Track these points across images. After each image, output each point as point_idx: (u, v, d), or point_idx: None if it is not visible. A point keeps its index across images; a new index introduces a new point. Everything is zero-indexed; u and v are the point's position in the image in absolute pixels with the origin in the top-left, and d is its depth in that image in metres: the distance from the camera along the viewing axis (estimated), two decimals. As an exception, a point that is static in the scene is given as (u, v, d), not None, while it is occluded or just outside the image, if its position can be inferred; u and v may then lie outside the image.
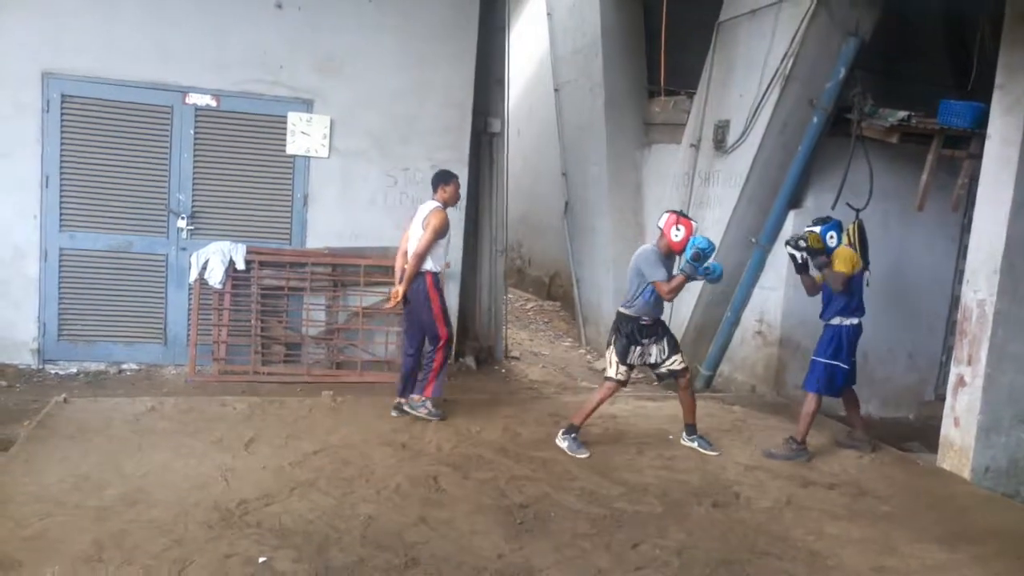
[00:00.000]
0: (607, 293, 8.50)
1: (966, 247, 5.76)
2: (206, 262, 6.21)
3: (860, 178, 6.29)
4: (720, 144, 6.99)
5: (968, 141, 5.97)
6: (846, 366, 5.31)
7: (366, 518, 3.98)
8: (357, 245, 6.68)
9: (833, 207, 6.16)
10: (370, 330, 6.72)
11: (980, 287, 5.16)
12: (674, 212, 5.22)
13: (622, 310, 5.27)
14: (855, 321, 5.31)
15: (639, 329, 5.22)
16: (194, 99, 6.27)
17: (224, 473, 4.38)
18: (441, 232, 5.43)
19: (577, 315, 9.27)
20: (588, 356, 8.58)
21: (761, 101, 6.57)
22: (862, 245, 5.83)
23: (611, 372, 5.28)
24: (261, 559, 3.49)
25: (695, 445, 5.41)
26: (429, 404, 5.51)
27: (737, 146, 6.81)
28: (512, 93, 9.41)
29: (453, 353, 6.30)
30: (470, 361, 7.24)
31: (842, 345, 5.29)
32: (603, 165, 8.45)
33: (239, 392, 5.85)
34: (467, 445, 5.14)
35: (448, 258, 6.81)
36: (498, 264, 7.65)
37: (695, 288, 7.12)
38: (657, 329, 5.29)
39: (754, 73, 6.71)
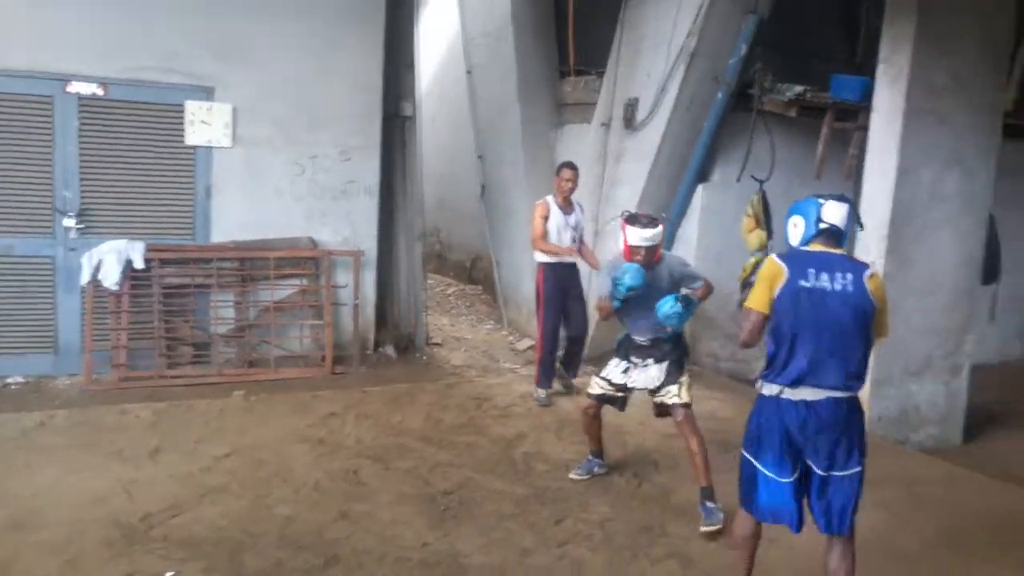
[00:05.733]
0: (526, 274, 8.50)
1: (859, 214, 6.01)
2: (99, 262, 5.84)
3: (763, 151, 6.47)
4: (630, 122, 7.06)
5: (858, 114, 6.22)
6: (770, 473, 3.03)
7: (283, 519, 3.89)
8: (266, 237, 6.48)
9: (738, 179, 6.34)
10: (284, 325, 6.54)
11: (871, 250, 5.38)
12: (624, 215, 4.28)
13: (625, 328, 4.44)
14: (776, 391, 3.02)
15: (635, 348, 4.33)
16: (77, 87, 5.88)
17: (126, 486, 4.14)
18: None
19: (499, 297, 9.26)
20: (510, 338, 8.59)
21: (668, 79, 6.66)
22: (766, 214, 6.03)
23: (591, 385, 4.52)
24: (168, 574, 3.34)
25: (703, 514, 4.01)
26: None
27: (646, 124, 6.90)
28: (424, 77, 9.29)
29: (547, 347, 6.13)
30: (390, 350, 7.15)
31: (755, 433, 3.09)
32: (518, 147, 8.43)
33: (142, 399, 5.51)
34: (388, 435, 5.08)
35: (361, 246, 6.77)
36: (415, 250, 7.55)
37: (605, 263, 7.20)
38: (661, 350, 4.25)
39: (660, 51, 6.79)
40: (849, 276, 2.99)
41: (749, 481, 3.10)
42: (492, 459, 4.81)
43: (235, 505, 4.00)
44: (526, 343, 8.19)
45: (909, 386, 5.59)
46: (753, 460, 3.08)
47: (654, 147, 6.80)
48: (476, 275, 11.21)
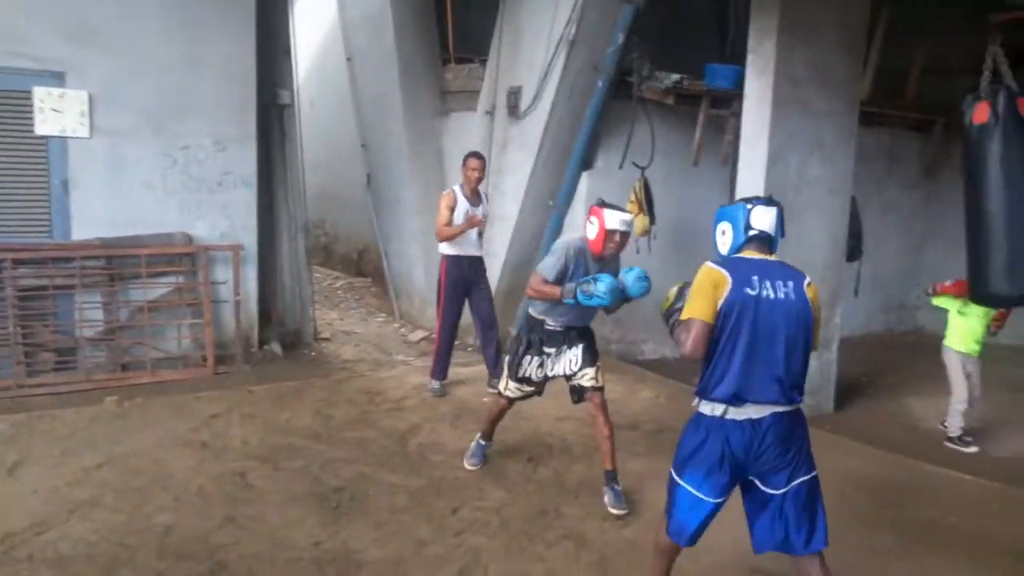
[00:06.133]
0: (417, 264, 8.44)
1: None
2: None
3: (644, 138, 6.64)
4: (514, 110, 7.09)
5: (732, 101, 6.48)
6: (700, 495, 2.85)
7: (164, 528, 3.68)
8: (136, 233, 6.10)
9: (620, 167, 6.48)
10: (160, 325, 6.19)
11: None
12: (596, 203, 4.06)
13: (529, 310, 4.32)
14: (720, 410, 2.83)
15: (545, 336, 4.21)
16: (-90, 73, 5.34)
17: (-17, 505, 3.79)
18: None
19: (389, 289, 9.13)
20: (402, 330, 8.49)
21: (549, 67, 6.72)
22: (648, 200, 6.19)
23: (500, 385, 4.37)
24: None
25: (606, 499, 4.08)
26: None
27: (530, 112, 6.94)
28: (302, 63, 8.98)
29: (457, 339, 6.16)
30: (276, 347, 6.91)
31: (687, 452, 2.90)
32: (402, 135, 8.31)
33: (-1, 411, 5.04)
34: (276, 435, 4.90)
35: (240, 240, 6.49)
36: (299, 242, 7.32)
37: (500, 253, 7.23)
38: (572, 335, 4.19)
39: (540, 39, 6.84)
40: (791, 284, 2.83)
41: (679, 504, 2.89)
42: (385, 453, 4.73)
43: (109, 518, 3.74)
44: (419, 334, 8.12)
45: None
46: (678, 478, 2.88)
47: (538, 135, 6.85)
48: (365, 267, 11.01)
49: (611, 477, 4.10)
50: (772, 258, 2.95)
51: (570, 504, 4.14)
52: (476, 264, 5.92)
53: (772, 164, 5.47)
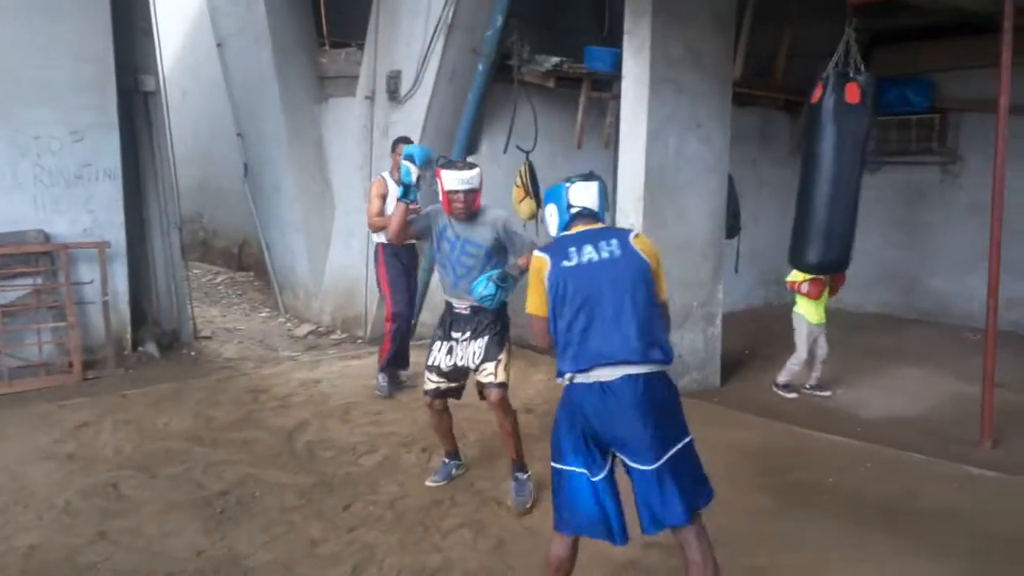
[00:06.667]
0: (300, 256, 8.17)
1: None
2: None
3: (527, 122, 6.62)
4: (394, 95, 6.94)
5: (611, 84, 6.56)
6: (575, 468, 2.72)
7: (26, 549, 3.40)
8: (-16, 232, 5.61)
9: (505, 151, 6.45)
10: (16, 331, 5.71)
11: (629, 213, 5.71)
12: (439, 161, 4.01)
13: (445, 294, 4.08)
14: (569, 378, 2.77)
15: (454, 320, 3.98)
16: None
17: None
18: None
19: (272, 283, 8.80)
20: (288, 324, 8.20)
21: (429, 50, 6.61)
22: (534, 184, 6.19)
23: (424, 379, 4.06)
24: None
25: (512, 491, 3.97)
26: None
27: (411, 96, 6.81)
28: (170, 49, 8.49)
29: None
30: (151, 348, 6.52)
31: (556, 431, 2.81)
32: (280, 122, 7.99)
33: None
34: (152, 441, 4.63)
35: (106, 237, 6.07)
36: (173, 237, 6.92)
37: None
38: (481, 322, 3.90)
39: (419, 22, 6.71)
40: (614, 242, 2.82)
41: (556, 490, 2.75)
42: (272, 452, 4.55)
43: (-39, 543, 3.43)
44: (305, 328, 7.87)
45: (673, 337, 6.02)
46: (558, 464, 2.74)
47: (420, 120, 6.73)
48: (246, 260, 10.57)
49: (517, 467, 3.97)
50: (597, 226, 2.95)
51: (466, 492, 4.10)
52: (412, 250, 5.69)
53: (651, 143, 5.57)
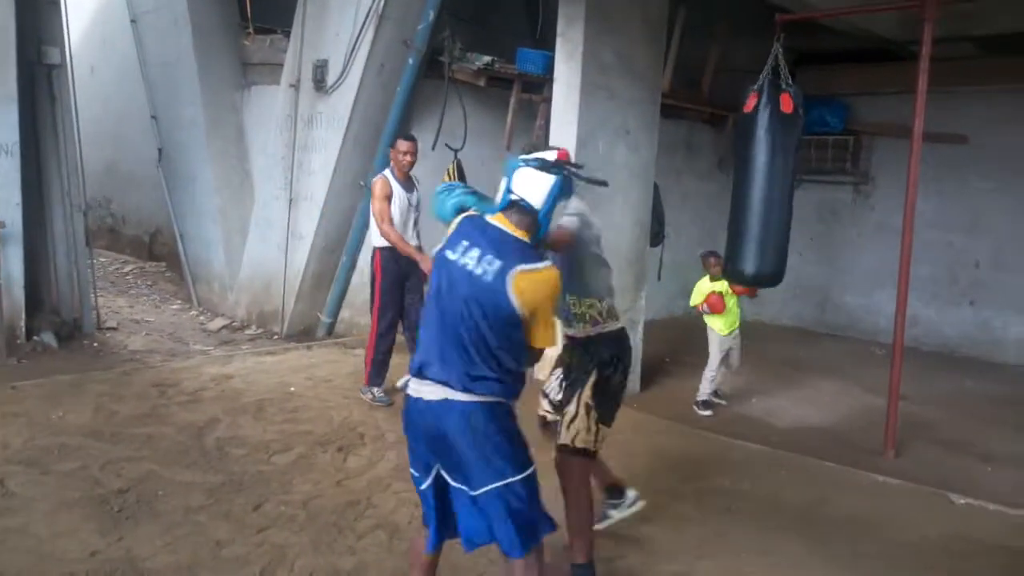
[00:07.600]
0: (217, 247, 7.85)
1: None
2: None
3: (457, 120, 6.56)
4: (320, 84, 6.75)
5: (543, 86, 6.56)
6: (413, 472, 2.64)
7: None
8: None
9: (433, 147, 6.36)
10: None
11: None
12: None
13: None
14: (404, 380, 2.63)
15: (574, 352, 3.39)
16: None
17: None
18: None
19: (185, 274, 8.42)
20: (201, 318, 7.86)
21: (358, 40, 6.45)
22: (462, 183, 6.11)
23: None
24: None
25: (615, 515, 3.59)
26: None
27: (337, 86, 6.64)
28: (79, 21, 8.06)
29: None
30: (48, 338, 6.11)
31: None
32: (198, 107, 7.67)
33: None
34: (45, 435, 4.32)
35: (1, 217, 5.67)
36: (76, 222, 6.51)
37: (307, 235, 6.87)
38: (583, 358, 3.28)
39: (348, 11, 6.55)
40: (496, 265, 2.38)
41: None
42: (178, 449, 4.31)
43: None
44: (219, 322, 7.57)
45: (597, 343, 6.05)
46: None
47: (347, 111, 6.58)
48: (158, 250, 10.10)
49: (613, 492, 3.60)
50: (516, 233, 2.47)
51: (382, 493, 3.98)
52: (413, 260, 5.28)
53: (581, 148, 5.57)
